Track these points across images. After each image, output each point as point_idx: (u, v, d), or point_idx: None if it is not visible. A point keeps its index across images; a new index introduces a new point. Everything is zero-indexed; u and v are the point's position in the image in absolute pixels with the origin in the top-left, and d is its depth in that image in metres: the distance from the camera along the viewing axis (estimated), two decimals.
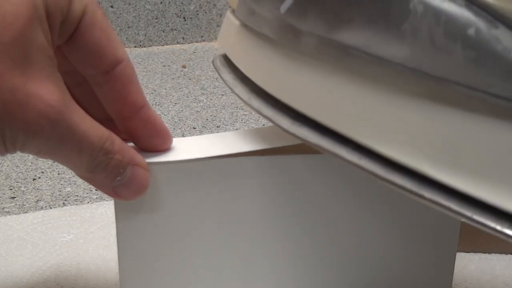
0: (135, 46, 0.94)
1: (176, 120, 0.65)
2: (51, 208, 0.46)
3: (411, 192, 0.22)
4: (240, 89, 0.29)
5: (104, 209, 0.45)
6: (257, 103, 0.28)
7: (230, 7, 0.31)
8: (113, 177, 0.27)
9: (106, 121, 0.29)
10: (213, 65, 0.32)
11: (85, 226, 0.43)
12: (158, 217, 0.30)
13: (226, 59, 0.31)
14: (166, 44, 0.96)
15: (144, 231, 0.30)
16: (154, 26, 0.95)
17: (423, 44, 0.21)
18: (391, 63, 0.21)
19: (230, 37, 0.30)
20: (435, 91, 0.21)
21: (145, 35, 0.95)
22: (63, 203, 0.47)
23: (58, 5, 0.25)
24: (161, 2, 0.95)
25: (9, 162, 0.54)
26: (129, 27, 0.94)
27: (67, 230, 0.42)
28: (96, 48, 0.27)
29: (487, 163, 0.20)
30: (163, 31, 0.96)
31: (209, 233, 0.30)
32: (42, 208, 0.46)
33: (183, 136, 0.62)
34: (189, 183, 0.29)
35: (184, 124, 0.64)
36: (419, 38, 0.21)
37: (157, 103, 0.70)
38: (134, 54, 0.89)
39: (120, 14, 0.94)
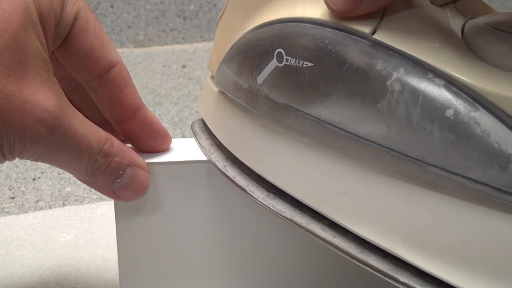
0: (135, 46, 0.94)
1: (176, 120, 0.65)
2: (51, 208, 0.46)
3: (385, 274, 0.21)
4: (216, 156, 0.28)
5: (104, 209, 0.45)
6: (232, 172, 0.27)
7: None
8: (113, 179, 0.27)
9: (104, 124, 0.29)
10: (192, 129, 0.31)
11: (85, 226, 0.43)
12: (158, 217, 0.30)
13: (205, 124, 0.31)
14: (166, 44, 0.96)
15: (144, 231, 0.30)
16: (154, 26, 0.95)
17: (400, 124, 0.20)
18: (367, 141, 0.21)
19: (209, 104, 0.30)
20: (411, 172, 0.20)
21: (145, 35, 0.95)
22: (63, 203, 0.47)
23: (51, 8, 0.25)
24: (161, 2, 0.95)
25: (9, 162, 0.54)
26: (129, 27, 0.94)
27: (67, 230, 0.42)
28: (90, 52, 0.27)
29: (462, 249, 0.19)
30: (163, 31, 0.96)
31: (209, 233, 0.30)
32: (42, 208, 0.46)
33: (183, 136, 0.62)
34: (188, 183, 0.29)
35: (184, 124, 0.64)
36: (396, 117, 0.20)
37: (157, 103, 0.70)
38: (134, 54, 0.89)
39: (120, 14, 0.94)
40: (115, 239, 0.30)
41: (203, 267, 0.31)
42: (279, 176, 0.25)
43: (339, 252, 0.22)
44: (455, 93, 0.19)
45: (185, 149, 0.30)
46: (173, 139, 0.31)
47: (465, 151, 0.19)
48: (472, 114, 0.19)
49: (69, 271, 0.37)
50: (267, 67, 0.24)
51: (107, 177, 0.27)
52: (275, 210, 0.25)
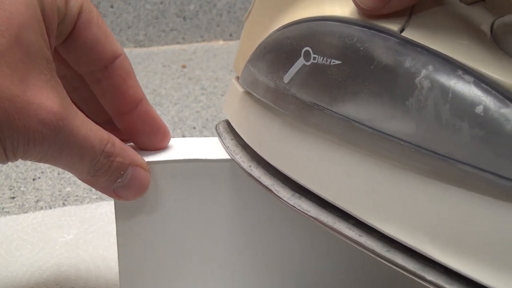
0: (135, 46, 0.94)
1: (176, 120, 0.65)
2: (51, 208, 0.46)
3: (412, 273, 0.21)
4: (241, 156, 0.28)
5: (104, 209, 0.45)
6: (257, 172, 0.27)
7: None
8: (115, 179, 0.27)
9: (104, 124, 0.29)
10: (216, 130, 0.31)
11: (85, 226, 0.43)
12: (158, 217, 0.30)
13: (229, 125, 0.31)
14: (166, 44, 0.96)
15: (144, 231, 0.30)
16: (154, 26, 0.95)
17: (429, 121, 0.20)
18: (395, 139, 0.21)
19: (234, 104, 0.30)
20: (440, 169, 0.20)
21: (145, 35, 0.95)
22: (63, 203, 0.47)
23: (54, 6, 0.25)
24: (161, 2, 0.95)
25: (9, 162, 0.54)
26: (129, 27, 0.94)
27: (67, 230, 0.42)
28: (95, 44, 0.27)
29: (493, 247, 0.19)
30: (163, 31, 0.96)
31: (209, 233, 0.30)
32: (42, 208, 0.46)
33: (183, 136, 0.62)
34: (188, 182, 0.29)
35: (184, 124, 0.64)
36: (425, 114, 0.20)
37: (157, 103, 0.70)
38: (134, 54, 0.89)
39: (120, 14, 0.93)
40: (115, 239, 0.30)
41: (203, 267, 0.31)
42: (305, 175, 0.25)
43: (365, 251, 0.22)
44: (484, 90, 0.19)
45: (185, 147, 0.30)
46: (172, 138, 0.31)
47: (495, 147, 0.19)
48: (503, 110, 0.19)
49: (69, 271, 0.37)
50: (294, 66, 0.24)
51: (109, 177, 0.27)
52: (301, 209, 0.24)
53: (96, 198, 0.48)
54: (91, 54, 0.27)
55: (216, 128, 0.32)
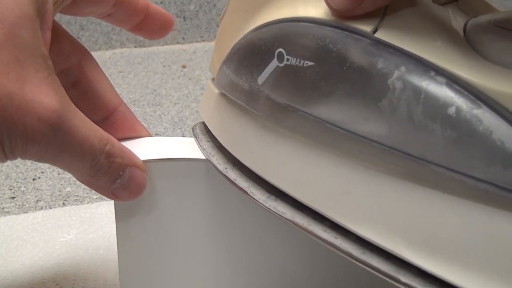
0: (135, 46, 0.94)
1: (176, 120, 0.65)
2: (51, 208, 0.46)
3: (387, 275, 0.21)
4: (217, 158, 0.28)
5: (104, 209, 0.45)
6: (233, 174, 0.27)
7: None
8: (114, 180, 0.27)
9: (101, 122, 0.29)
10: (193, 132, 0.31)
11: (85, 226, 0.43)
12: (158, 217, 0.30)
13: (206, 127, 0.31)
14: (166, 44, 0.96)
15: (144, 231, 0.30)
16: None
17: (401, 122, 0.20)
18: (369, 140, 0.21)
19: (209, 106, 0.30)
20: (413, 171, 0.20)
21: None
22: (63, 203, 0.47)
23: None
24: (161, 2, 0.95)
25: (9, 162, 0.54)
26: None
27: (67, 230, 0.42)
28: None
29: (466, 248, 0.19)
30: None
31: (208, 232, 0.30)
32: (42, 208, 0.46)
33: (183, 136, 0.62)
34: (188, 182, 0.29)
35: (184, 124, 0.64)
36: (397, 115, 0.20)
37: (157, 103, 0.70)
38: (134, 54, 0.89)
39: None
40: (115, 239, 0.30)
41: (203, 267, 0.31)
42: (280, 177, 0.25)
43: (340, 254, 0.22)
44: (457, 91, 0.19)
45: (185, 147, 0.30)
46: (173, 137, 0.31)
47: (467, 149, 0.19)
48: (475, 111, 0.19)
49: (69, 271, 0.37)
50: (267, 67, 0.24)
51: (108, 177, 0.27)
52: (276, 211, 0.24)
53: (96, 198, 0.48)
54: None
55: (193, 130, 0.32)
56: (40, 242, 0.40)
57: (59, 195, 0.48)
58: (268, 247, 0.31)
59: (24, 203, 0.47)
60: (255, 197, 0.25)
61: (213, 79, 0.30)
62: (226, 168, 0.27)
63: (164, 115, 0.67)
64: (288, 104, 0.23)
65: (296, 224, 0.24)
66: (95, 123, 0.27)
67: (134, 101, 0.70)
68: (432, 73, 0.20)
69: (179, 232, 0.30)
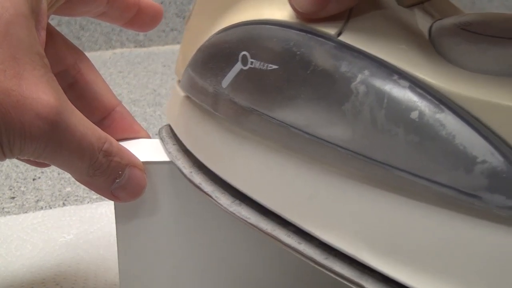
0: (135, 46, 0.94)
1: None
2: (51, 208, 0.46)
3: (350, 281, 0.20)
4: (182, 162, 0.28)
5: (104, 209, 0.45)
6: (198, 178, 0.27)
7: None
8: (113, 179, 0.27)
9: (98, 123, 0.29)
10: (159, 135, 0.31)
11: (85, 226, 0.43)
12: (158, 217, 0.30)
13: (173, 130, 0.30)
14: (166, 44, 0.96)
15: (143, 231, 0.30)
16: None
17: (365, 127, 0.20)
18: (332, 145, 0.20)
19: (175, 109, 0.29)
20: (376, 176, 0.20)
21: (145, 35, 0.95)
22: (63, 203, 0.47)
23: None
24: (161, 2, 0.95)
25: (9, 162, 0.54)
26: None
27: (67, 230, 0.42)
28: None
29: (429, 254, 0.19)
30: (163, 31, 0.96)
31: (208, 232, 0.30)
32: (42, 208, 0.46)
33: None
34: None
35: None
36: (361, 120, 0.20)
37: (157, 103, 0.70)
38: (134, 54, 0.89)
39: None
40: (115, 239, 0.30)
41: (203, 267, 0.31)
42: (244, 182, 0.24)
43: (304, 259, 0.22)
44: (420, 95, 0.19)
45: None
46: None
47: (430, 154, 0.18)
48: (437, 116, 0.18)
49: (69, 271, 0.37)
50: (232, 70, 0.24)
51: (107, 177, 0.27)
52: (241, 216, 0.24)
53: (96, 198, 0.47)
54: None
55: (159, 132, 0.31)
56: (40, 242, 0.40)
57: (59, 195, 0.48)
58: (267, 247, 0.31)
59: (24, 203, 0.47)
60: (220, 202, 0.25)
61: (179, 81, 0.30)
62: (191, 172, 0.27)
63: (164, 115, 0.67)
64: (252, 107, 0.23)
65: (260, 229, 0.23)
66: (94, 123, 0.27)
67: (134, 101, 0.70)
68: (396, 77, 0.20)
69: (179, 232, 0.30)
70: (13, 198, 0.47)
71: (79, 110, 0.26)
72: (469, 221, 0.18)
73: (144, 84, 0.77)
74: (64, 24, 0.87)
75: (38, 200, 0.47)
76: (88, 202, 0.47)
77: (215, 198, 0.25)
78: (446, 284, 0.19)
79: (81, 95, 0.30)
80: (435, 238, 0.19)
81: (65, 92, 0.26)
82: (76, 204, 0.46)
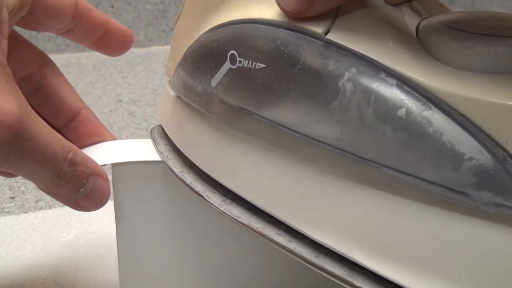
0: (135, 46, 0.94)
1: None
2: (51, 208, 0.46)
3: (340, 279, 0.20)
4: (174, 162, 0.28)
5: (104, 209, 0.45)
6: (189, 178, 0.27)
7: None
8: (77, 188, 0.27)
9: (63, 128, 0.29)
10: (151, 135, 0.31)
11: (85, 226, 0.42)
12: (158, 217, 0.30)
13: (164, 130, 0.31)
14: (166, 44, 0.96)
15: (144, 231, 0.30)
16: (154, 26, 0.95)
17: (353, 125, 0.20)
18: (321, 143, 0.20)
19: (166, 109, 0.30)
20: (365, 174, 0.20)
21: (145, 35, 0.95)
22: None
23: (1, 6, 0.24)
24: (161, 2, 0.95)
25: None
26: (129, 27, 0.94)
27: (67, 230, 0.42)
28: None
29: (418, 251, 0.19)
30: (163, 31, 0.95)
31: (208, 232, 0.30)
32: (42, 208, 0.46)
33: None
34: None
35: None
36: (348, 118, 0.20)
37: (157, 103, 0.70)
38: (134, 54, 0.89)
39: (120, 14, 0.93)
40: (115, 239, 0.30)
41: (203, 267, 0.31)
42: (234, 181, 0.24)
43: (295, 257, 0.22)
44: (407, 92, 0.19)
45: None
46: (135, 140, 0.31)
47: (417, 151, 0.19)
48: (425, 113, 0.19)
49: (69, 271, 0.37)
50: (220, 70, 0.24)
51: (72, 186, 0.26)
52: (232, 215, 0.24)
53: None
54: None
55: (151, 132, 0.31)
56: (40, 242, 0.40)
57: None
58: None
59: (24, 203, 0.47)
60: (211, 201, 0.25)
61: (169, 82, 0.30)
62: (182, 172, 0.27)
63: None
64: (241, 107, 0.23)
65: (251, 228, 0.23)
66: (60, 127, 0.27)
67: (134, 101, 0.70)
68: (383, 75, 0.20)
69: (179, 232, 0.30)
70: (13, 198, 0.47)
71: (45, 114, 0.26)
72: (457, 218, 0.19)
73: (144, 84, 0.77)
74: None
75: (38, 200, 0.47)
76: None
77: (206, 198, 0.25)
78: (436, 281, 0.19)
79: (46, 99, 0.30)
80: (423, 235, 0.19)
81: (31, 96, 0.26)
82: None
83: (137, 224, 0.30)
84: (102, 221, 0.43)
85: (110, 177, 0.29)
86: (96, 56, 0.87)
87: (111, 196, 0.29)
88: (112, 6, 0.94)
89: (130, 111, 0.66)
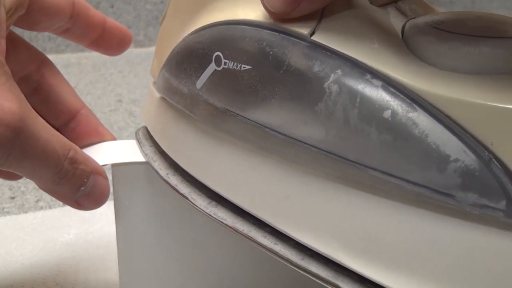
0: (135, 46, 0.93)
1: None
2: (51, 208, 0.46)
3: (326, 281, 0.20)
4: (159, 164, 0.28)
5: (104, 209, 0.45)
6: (174, 180, 0.26)
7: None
8: (78, 187, 0.27)
9: (62, 127, 0.29)
10: (136, 137, 0.31)
11: (85, 226, 0.42)
12: (158, 217, 0.30)
13: (149, 132, 0.30)
14: None
15: (144, 231, 0.30)
16: (154, 26, 0.95)
17: (338, 126, 0.20)
18: (306, 145, 0.20)
19: (151, 110, 0.29)
20: (351, 176, 0.20)
21: (145, 35, 0.95)
22: (63, 203, 0.47)
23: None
24: (161, 2, 0.95)
25: None
26: (129, 27, 0.94)
27: (67, 230, 0.42)
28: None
29: (404, 254, 0.19)
30: None
31: (208, 233, 0.30)
32: (42, 208, 0.46)
33: None
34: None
35: None
36: (334, 119, 0.20)
37: None
38: (134, 54, 0.89)
39: (120, 14, 0.93)
40: (115, 239, 0.30)
41: (203, 267, 0.31)
42: (220, 183, 0.24)
43: (280, 260, 0.22)
44: (392, 94, 0.19)
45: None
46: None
47: (403, 152, 0.18)
48: (410, 115, 0.18)
49: (69, 271, 0.37)
50: (205, 71, 0.23)
51: (72, 185, 0.26)
52: (217, 217, 0.24)
53: None
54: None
55: (136, 134, 0.31)
56: (40, 242, 0.40)
57: None
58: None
59: (24, 203, 0.47)
60: (196, 203, 0.25)
61: (154, 83, 0.29)
62: (167, 174, 0.27)
63: None
64: (226, 108, 0.23)
65: (237, 230, 0.23)
66: (59, 127, 0.27)
67: (134, 101, 0.70)
68: (368, 76, 0.20)
69: (179, 232, 0.30)
70: (13, 198, 0.47)
71: (44, 114, 0.26)
72: (442, 219, 0.18)
73: (144, 84, 0.77)
74: None
75: (38, 200, 0.47)
76: None
77: (192, 200, 0.25)
78: (421, 283, 0.19)
79: (45, 98, 0.30)
80: (409, 237, 0.19)
81: (30, 97, 0.26)
82: None
83: (137, 224, 0.30)
84: (102, 221, 0.43)
85: (110, 177, 0.29)
86: (96, 56, 0.87)
87: (111, 196, 0.29)
88: (112, 6, 0.94)
89: (130, 111, 0.66)
